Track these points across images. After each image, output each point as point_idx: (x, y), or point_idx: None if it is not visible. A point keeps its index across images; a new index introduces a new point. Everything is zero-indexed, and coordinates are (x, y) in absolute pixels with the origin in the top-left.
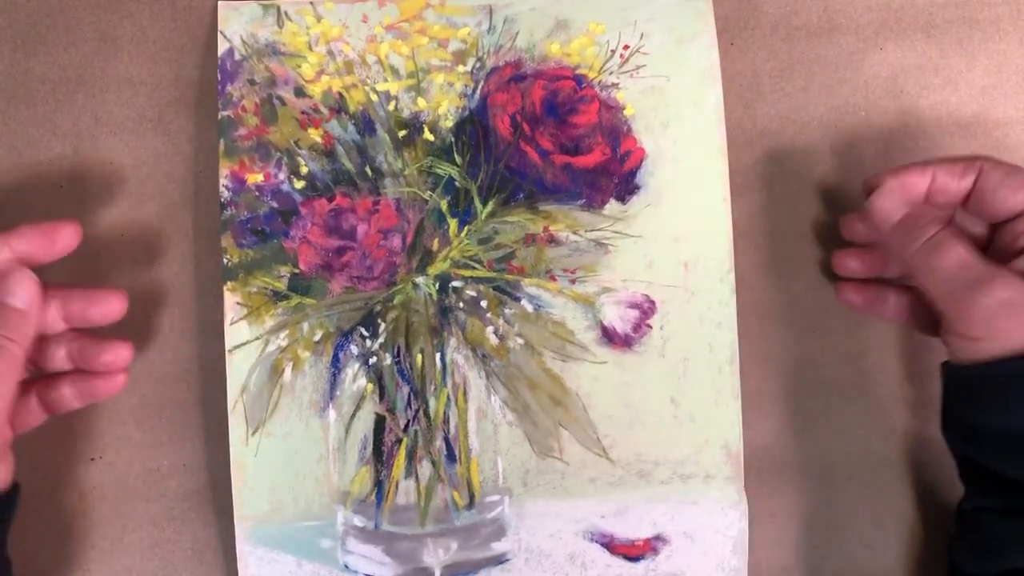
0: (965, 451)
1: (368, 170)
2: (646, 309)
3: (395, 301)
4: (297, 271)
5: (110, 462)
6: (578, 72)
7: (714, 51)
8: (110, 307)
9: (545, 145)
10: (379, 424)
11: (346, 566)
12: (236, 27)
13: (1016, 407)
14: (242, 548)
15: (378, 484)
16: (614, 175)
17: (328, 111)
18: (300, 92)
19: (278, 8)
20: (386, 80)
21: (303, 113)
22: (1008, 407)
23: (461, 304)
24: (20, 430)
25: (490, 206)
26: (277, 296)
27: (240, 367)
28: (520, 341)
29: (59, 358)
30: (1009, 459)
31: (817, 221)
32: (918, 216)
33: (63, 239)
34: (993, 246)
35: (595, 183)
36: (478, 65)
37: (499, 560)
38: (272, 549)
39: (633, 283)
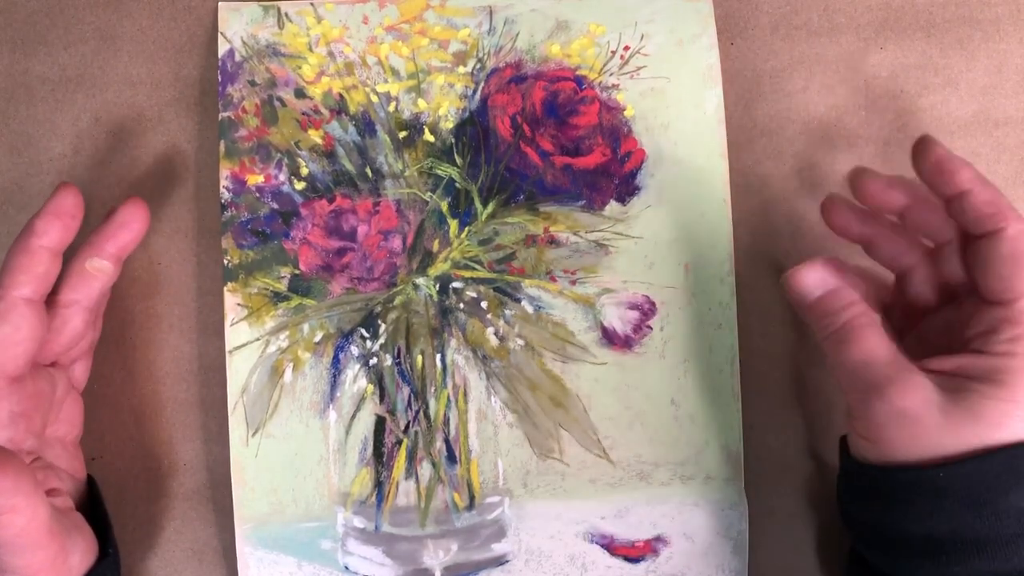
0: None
1: (368, 171)
2: (646, 310)
3: (395, 302)
4: (297, 272)
5: (110, 462)
6: (578, 73)
7: (714, 52)
8: (137, 225)
9: (545, 146)
10: (379, 425)
11: (346, 567)
12: (236, 28)
13: (903, 515)
14: (242, 549)
15: (378, 485)
16: (614, 176)
17: (328, 112)
18: (300, 93)
19: (278, 9)
20: (386, 81)
21: (303, 114)
22: (893, 512)
23: (461, 305)
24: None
25: (490, 207)
26: (277, 297)
27: (240, 368)
28: (520, 342)
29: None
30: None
31: (817, 221)
32: (833, 300)
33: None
34: (920, 332)
35: (595, 184)
36: (478, 66)
37: (499, 561)
38: (272, 550)
39: (633, 284)
